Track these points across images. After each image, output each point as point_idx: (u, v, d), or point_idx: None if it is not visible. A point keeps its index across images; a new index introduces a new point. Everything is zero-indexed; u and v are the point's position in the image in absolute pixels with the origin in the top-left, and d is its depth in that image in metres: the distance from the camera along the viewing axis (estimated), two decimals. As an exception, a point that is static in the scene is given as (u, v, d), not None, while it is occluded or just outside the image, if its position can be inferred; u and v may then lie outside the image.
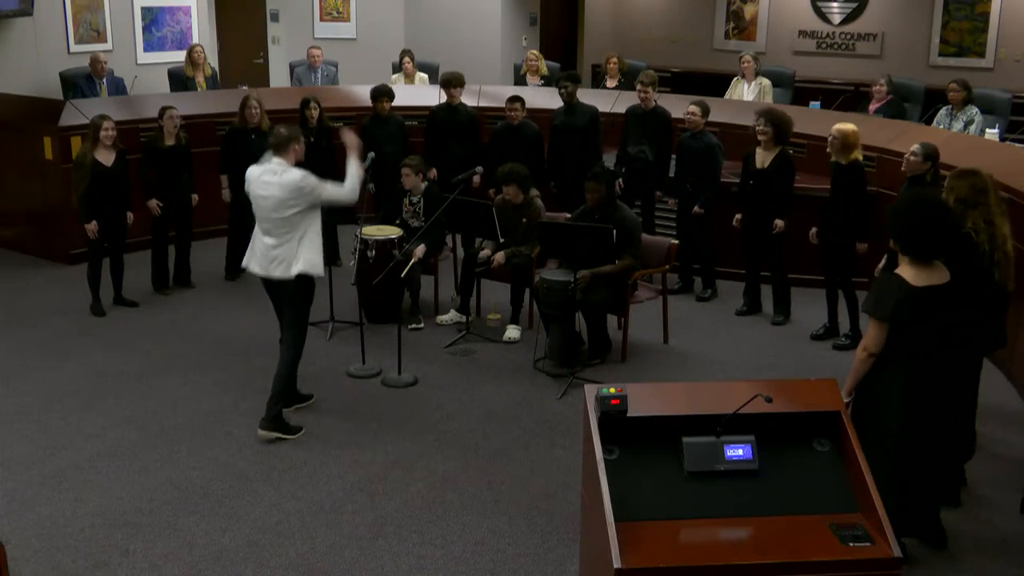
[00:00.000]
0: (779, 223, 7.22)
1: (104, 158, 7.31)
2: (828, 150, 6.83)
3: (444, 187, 7.70)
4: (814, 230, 7.02)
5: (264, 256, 5.57)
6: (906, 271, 4.14)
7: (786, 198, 7.23)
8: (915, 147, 6.12)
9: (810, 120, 8.61)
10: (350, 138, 5.79)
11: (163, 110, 7.77)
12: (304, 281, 5.58)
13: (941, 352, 4.17)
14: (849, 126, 6.78)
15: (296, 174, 5.47)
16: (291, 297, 5.61)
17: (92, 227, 7.34)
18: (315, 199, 5.51)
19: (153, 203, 7.74)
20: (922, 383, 4.14)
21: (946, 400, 4.25)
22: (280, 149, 5.53)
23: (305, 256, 5.51)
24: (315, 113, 8.37)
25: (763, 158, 7.24)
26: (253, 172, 5.60)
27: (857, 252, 6.81)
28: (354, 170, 5.65)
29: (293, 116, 8.62)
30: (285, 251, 5.51)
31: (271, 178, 5.48)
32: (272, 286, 5.68)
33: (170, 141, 7.75)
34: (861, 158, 6.83)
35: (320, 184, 5.51)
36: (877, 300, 4.16)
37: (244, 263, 5.77)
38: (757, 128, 7.23)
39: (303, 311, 5.69)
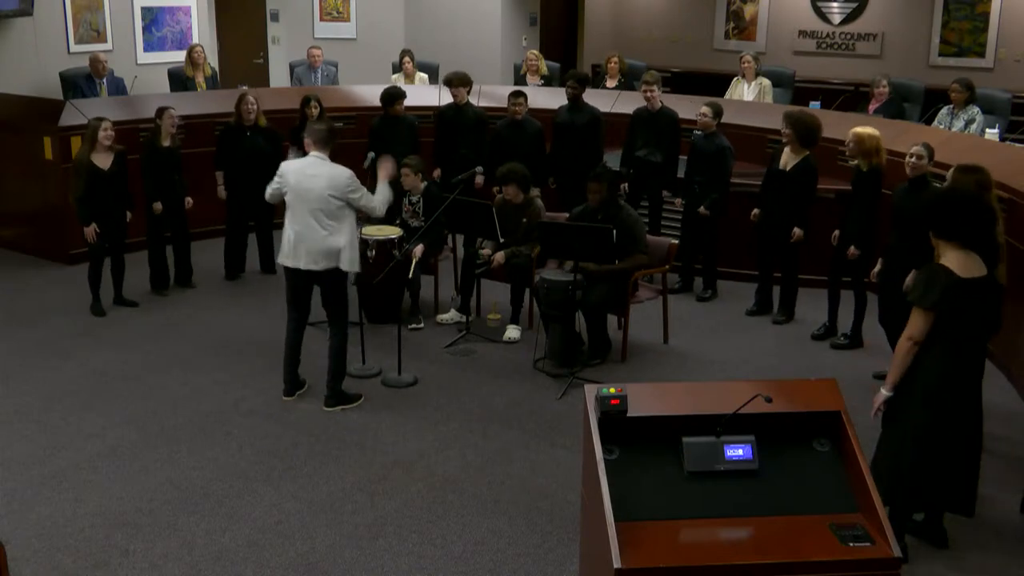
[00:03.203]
0: (797, 232, 7.14)
1: (101, 161, 7.27)
2: (848, 154, 6.80)
3: (450, 188, 7.69)
4: (836, 233, 6.98)
5: (306, 249, 5.76)
6: (952, 262, 4.21)
7: (805, 206, 7.15)
8: (918, 148, 6.08)
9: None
10: (386, 166, 6.11)
11: (162, 110, 7.74)
12: (341, 274, 5.85)
13: (974, 343, 4.29)
14: (864, 130, 6.70)
15: (344, 172, 5.75)
16: (330, 289, 5.90)
17: (91, 230, 7.32)
18: (354, 200, 5.77)
19: (158, 204, 7.71)
20: (959, 370, 4.25)
21: (975, 389, 4.37)
22: (323, 144, 5.79)
23: (345, 252, 5.78)
24: (315, 112, 8.39)
25: (787, 160, 7.19)
26: (292, 165, 5.86)
27: (847, 255, 6.77)
28: (383, 188, 6.00)
29: (294, 116, 8.64)
30: (331, 245, 5.74)
31: (316, 170, 5.72)
32: (308, 277, 5.86)
33: (167, 142, 7.73)
34: (884, 162, 6.69)
35: (361, 188, 5.81)
36: (925, 289, 4.21)
37: (279, 259, 5.96)
38: (782, 131, 7.19)
39: (342, 300, 5.96)
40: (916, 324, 4.22)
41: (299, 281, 5.92)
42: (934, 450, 4.30)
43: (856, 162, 6.75)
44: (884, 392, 4.35)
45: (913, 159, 6.06)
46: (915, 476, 4.34)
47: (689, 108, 8.37)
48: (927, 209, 4.36)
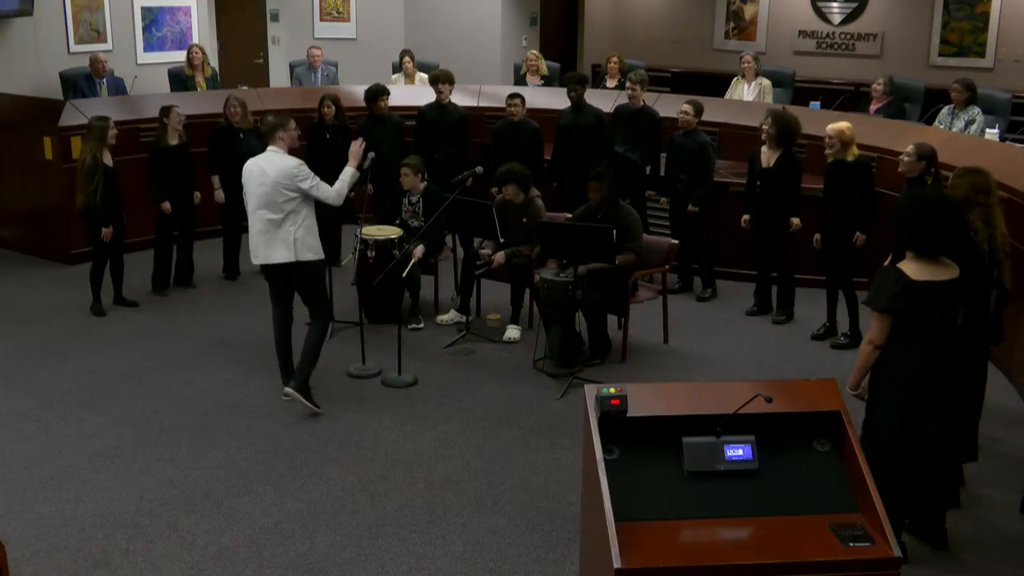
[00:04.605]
0: (795, 221, 7.20)
1: (109, 160, 7.31)
2: (827, 151, 6.82)
3: (446, 187, 7.69)
4: (817, 236, 7.01)
5: (264, 243, 5.77)
6: (907, 265, 4.18)
7: (795, 197, 7.22)
8: (909, 148, 6.15)
9: (810, 120, 8.59)
10: (355, 151, 6.04)
11: (167, 109, 7.75)
12: (310, 264, 5.82)
13: (943, 345, 4.20)
14: (843, 124, 6.81)
15: (292, 161, 5.75)
16: (304, 281, 5.88)
17: (110, 230, 7.34)
18: (305, 190, 5.73)
19: (166, 204, 7.74)
20: (922, 371, 4.17)
21: (945, 392, 4.26)
22: (269, 136, 5.82)
23: (304, 241, 5.76)
24: (330, 111, 8.40)
25: (768, 158, 7.23)
26: (250, 164, 5.86)
27: (857, 243, 6.81)
28: (346, 175, 5.92)
29: (294, 116, 8.63)
30: (284, 236, 5.73)
31: (267, 165, 5.74)
32: (276, 272, 5.85)
33: (174, 140, 7.75)
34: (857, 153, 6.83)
35: (313, 178, 5.77)
36: (875, 292, 4.21)
37: (252, 257, 5.92)
38: (763, 127, 7.23)
39: (319, 290, 5.97)
40: (872, 327, 4.22)
41: (271, 276, 5.92)
42: (899, 452, 4.25)
43: (836, 157, 6.78)
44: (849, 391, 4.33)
45: (905, 158, 6.10)
46: (888, 477, 4.30)
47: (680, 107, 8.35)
48: (892, 220, 4.34)
